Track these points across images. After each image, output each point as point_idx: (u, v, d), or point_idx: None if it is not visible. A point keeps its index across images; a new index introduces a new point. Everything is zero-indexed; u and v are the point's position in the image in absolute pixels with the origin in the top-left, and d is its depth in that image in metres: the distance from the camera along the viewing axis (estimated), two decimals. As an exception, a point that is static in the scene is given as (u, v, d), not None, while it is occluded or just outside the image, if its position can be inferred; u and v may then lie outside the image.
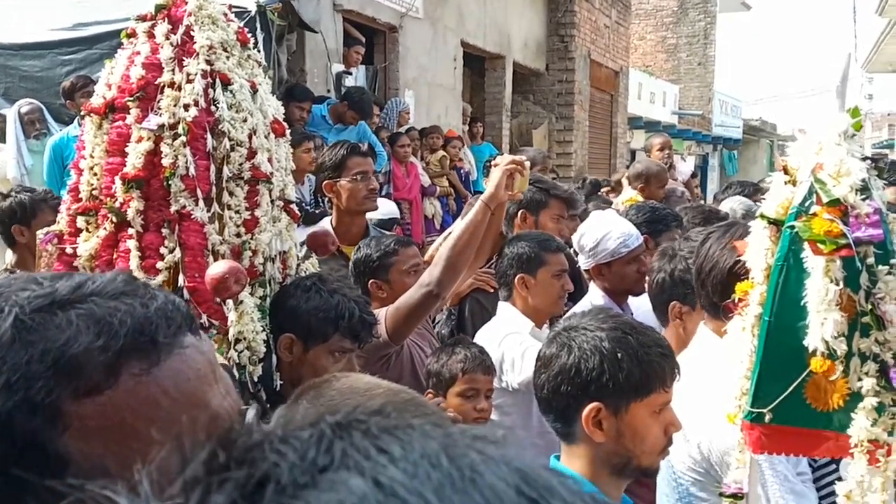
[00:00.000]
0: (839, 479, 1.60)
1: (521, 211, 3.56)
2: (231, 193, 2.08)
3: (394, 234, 3.90)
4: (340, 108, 6.54)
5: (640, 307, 3.10)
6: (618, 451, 1.49)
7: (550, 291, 2.83)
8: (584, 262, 3.16)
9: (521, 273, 2.83)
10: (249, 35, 2.35)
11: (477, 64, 11.36)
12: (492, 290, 3.19)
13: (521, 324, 2.78)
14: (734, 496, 1.61)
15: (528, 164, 2.80)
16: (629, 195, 5.47)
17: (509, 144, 11.06)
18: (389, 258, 2.84)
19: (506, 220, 3.73)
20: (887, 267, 1.43)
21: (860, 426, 1.42)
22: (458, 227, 2.66)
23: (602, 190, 8.00)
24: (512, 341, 2.68)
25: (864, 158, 1.44)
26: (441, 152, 8.10)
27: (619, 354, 1.46)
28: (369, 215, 3.58)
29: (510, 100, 11.66)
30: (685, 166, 10.84)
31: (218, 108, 2.06)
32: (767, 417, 1.48)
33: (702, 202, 7.00)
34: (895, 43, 14.34)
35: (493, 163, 2.79)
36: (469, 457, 0.37)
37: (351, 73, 7.70)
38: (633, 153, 16.22)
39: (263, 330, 2.08)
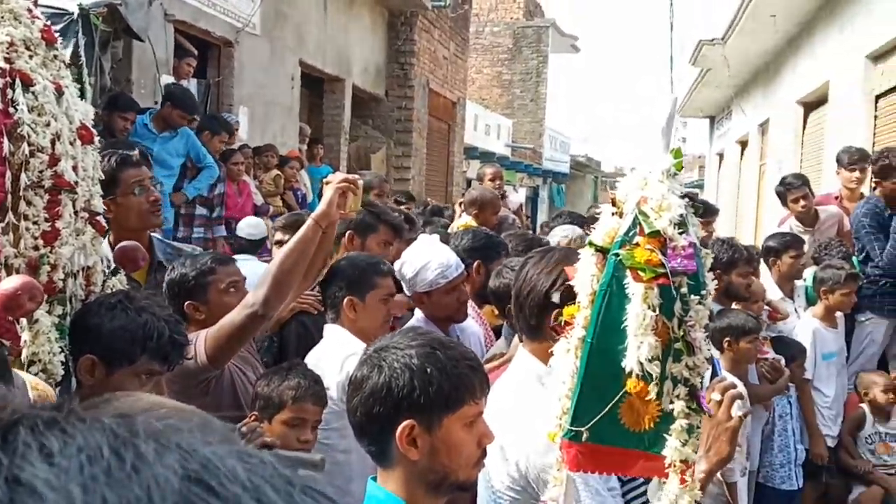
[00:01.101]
0: (645, 492, 1.67)
1: (349, 232, 3.50)
2: (29, 203, 1.89)
3: (209, 251, 3.68)
4: (165, 112, 6.06)
5: (466, 329, 3.13)
6: (433, 467, 1.48)
7: (377, 315, 2.77)
8: (405, 290, 3.13)
9: (349, 295, 2.75)
10: (58, 35, 2.16)
11: (316, 85, 11.24)
12: (316, 312, 3.10)
13: (357, 346, 2.71)
14: (550, 513, 1.64)
15: (361, 183, 2.76)
16: (464, 220, 5.55)
17: (347, 168, 10.99)
18: (206, 277, 2.66)
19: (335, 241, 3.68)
20: (698, 297, 1.52)
21: (673, 447, 1.49)
22: (287, 245, 2.56)
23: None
24: (355, 362, 2.59)
25: (683, 196, 1.53)
26: (275, 171, 7.90)
27: (428, 370, 1.46)
28: (248, 231, 3.35)
29: (349, 123, 11.62)
30: (517, 196, 11.23)
31: (17, 109, 1.88)
32: (584, 436, 1.52)
33: (527, 231, 7.22)
34: (706, 91, 15.60)
35: (325, 181, 2.71)
36: (139, 448, 0.37)
37: (181, 86, 7.37)
38: (468, 182, 16.60)
39: (62, 351, 1.90)
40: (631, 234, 1.52)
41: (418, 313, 3.14)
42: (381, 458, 1.51)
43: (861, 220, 5.15)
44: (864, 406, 4.58)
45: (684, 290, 1.50)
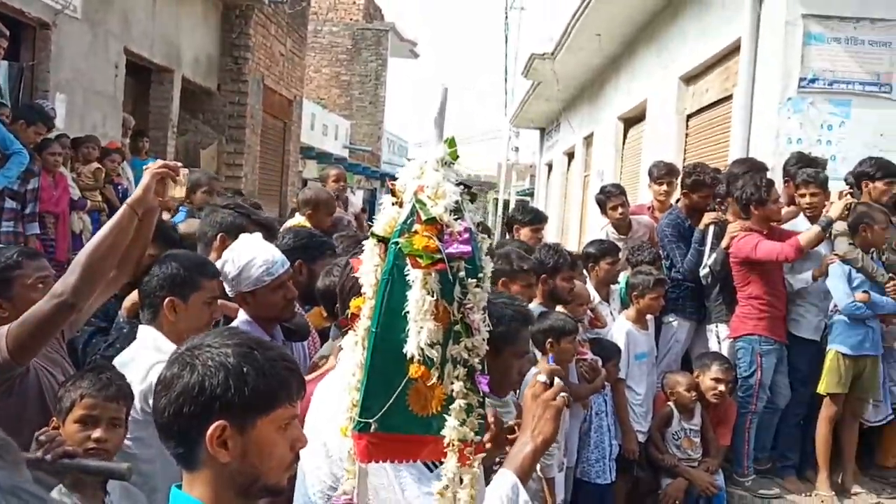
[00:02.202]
0: None
1: (220, 235, 3.36)
2: None
3: (15, 246, 3.44)
4: (-35, 98, 5.63)
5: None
6: (243, 470, 1.43)
7: (200, 319, 2.65)
8: (228, 290, 3.02)
9: (171, 296, 2.62)
10: None
11: (143, 75, 10.69)
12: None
13: (168, 351, 2.58)
14: (344, 508, 1.65)
15: (184, 172, 2.64)
16: (296, 220, 5.47)
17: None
18: (12, 271, 2.48)
19: (204, 243, 3.50)
20: (476, 280, 1.58)
21: (451, 426, 1.54)
22: (100, 231, 2.41)
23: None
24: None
25: (459, 184, 1.58)
26: (95, 164, 7.43)
27: (244, 369, 1.41)
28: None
29: (178, 116, 11.13)
30: (355, 199, 11.19)
31: None
32: (373, 426, 1.54)
33: (360, 233, 7.22)
34: (537, 103, 16.24)
35: (145, 168, 2.57)
36: None
37: (-11, 67, 6.79)
38: (304, 182, 16.34)
39: None
40: (409, 222, 1.55)
41: (242, 315, 3.04)
42: (187, 461, 1.44)
43: (664, 230, 5.56)
44: (671, 404, 4.91)
45: (462, 273, 1.55)
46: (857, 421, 5.05)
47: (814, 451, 4.99)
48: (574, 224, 14.03)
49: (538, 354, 3.95)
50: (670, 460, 4.83)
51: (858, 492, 4.97)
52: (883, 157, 5.33)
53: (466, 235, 1.55)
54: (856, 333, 4.82)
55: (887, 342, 4.99)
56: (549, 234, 16.19)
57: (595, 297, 5.18)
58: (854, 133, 6.09)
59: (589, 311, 4.89)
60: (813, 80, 6.10)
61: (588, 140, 13.55)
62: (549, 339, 4.02)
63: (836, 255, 4.89)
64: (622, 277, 5.29)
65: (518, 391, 2.92)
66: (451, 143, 1.62)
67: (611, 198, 5.89)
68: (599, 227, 6.63)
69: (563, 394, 1.82)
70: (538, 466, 3.86)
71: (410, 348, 1.51)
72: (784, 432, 5.18)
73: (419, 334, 1.50)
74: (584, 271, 5.26)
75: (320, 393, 1.99)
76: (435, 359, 1.53)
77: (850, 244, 4.87)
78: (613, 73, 11.62)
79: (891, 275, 4.88)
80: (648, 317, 5.05)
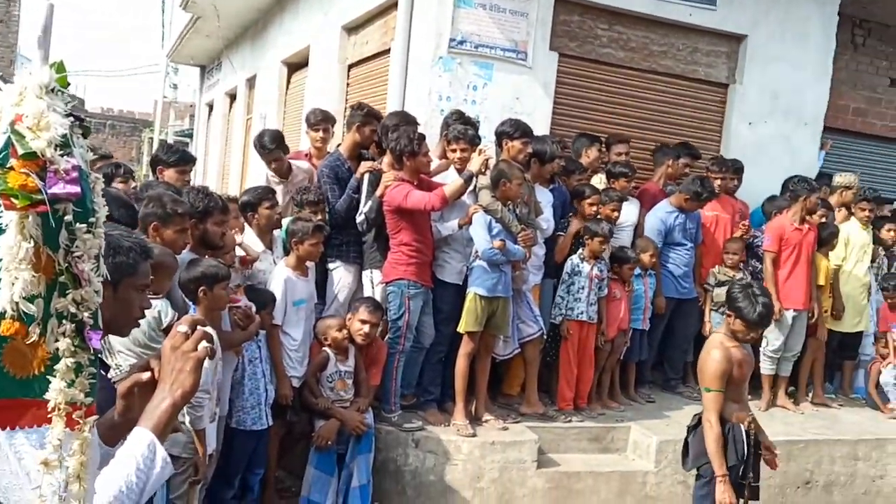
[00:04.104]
0: None
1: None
2: None
3: None
4: None
5: None
6: None
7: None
8: None
9: None
10: None
11: None
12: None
13: None
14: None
15: None
16: None
17: None
18: None
19: None
20: (86, 225, 1.42)
21: (57, 388, 1.39)
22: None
23: None
24: None
25: (69, 115, 1.41)
26: None
27: None
28: None
29: None
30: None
31: None
32: None
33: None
34: (197, 39, 15.35)
35: None
36: None
37: None
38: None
39: None
40: (3, 156, 1.35)
41: None
42: None
43: (323, 170, 5.66)
44: (327, 349, 5.03)
45: (69, 217, 1.39)
46: (489, 356, 5.61)
47: (453, 385, 5.46)
48: (236, 168, 13.63)
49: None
50: (324, 403, 4.96)
51: (488, 418, 5.55)
52: (520, 119, 5.88)
53: (75, 174, 1.36)
54: (491, 277, 5.31)
55: (516, 284, 5.58)
56: (209, 179, 15.61)
57: (259, 245, 5.09)
58: (495, 95, 6.64)
59: (239, 250, 4.80)
60: (462, 42, 6.51)
61: (251, 82, 13.17)
62: (202, 287, 3.87)
63: (479, 205, 5.32)
64: (285, 223, 5.26)
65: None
66: (60, 67, 1.40)
67: (267, 153, 5.88)
68: (260, 174, 6.53)
69: (205, 343, 1.73)
70: (187, 419, 3.74)
71: (2, 302, 1.33)
72: (427, 369, 5.59)
73: (13, 286, 1.33)
74: (245, 222, 5.15)
75: None
76: (34, 314, 1.36)
77: (492, 196, 5.33)
78: (278, 14, 11.37)
79: (522, 226, 5.44)
80: (309, 263, 5.08)
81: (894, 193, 9.03)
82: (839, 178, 7.58)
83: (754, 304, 4.08)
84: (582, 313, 5.87)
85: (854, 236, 7.27)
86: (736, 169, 7.09)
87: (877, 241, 7.52)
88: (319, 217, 5.27)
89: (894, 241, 7.64)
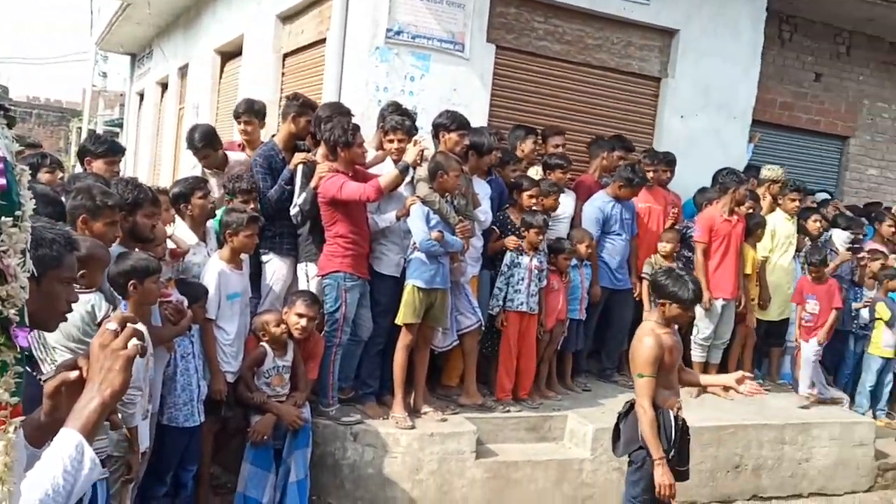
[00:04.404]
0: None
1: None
2: None
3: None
4: None
5: None
6: None
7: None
8: None
9: None
10: None
11: None
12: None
13: None
14: None
15: None
16: None
17: None
18: None
19: None
20: (12, 219, 1.39)
21: None
22: None
23: None
24: None
25: None
26: None
27: None
28: None
29: None
30: None
31: None
32: None
33: None
34: (127, 26, 14.94)
35: None
36: None
37: None
38: None
39: None
40: None
41: None
42: None
43: (256, 159, 5.59)
44: (264, 344, 4.95)
45: None
46: (428, 347, 5.61)
47: (391, 377, 5.44)
48: (168, 159, 13.32)
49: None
50: (259, 398, 4.89)
51: (427, 410, 5.55)
52: (457, 111, 5.88)
53: (1, 166, 1.33)
54: (429, 269, 5.30)
55: (454, 276, 5.59)
56: (140, 170, 15.22)
57: (192, 238, 4.98)
58: (433, 86, 6.62)
59: (170, 242, 4.70)
60: (399, 32, 6.48)
61: (183, 71, 12.87)
62: (132, 281, 3.77)
63: (417, 196, 5.31)
64: (218, 214, 5.15)
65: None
66: None
67: (196, 151, 5.81)
68: (191, 166, 6.38)
69: (135, 341, 1.68)
70: (119, 416, 3.64)
71: None
72: (366, 362, 5.56)
73: None
74: (176, 214, 5.04)
75: None
76: None
77: (429, 188, 5.32)
78: (211, 2, 11.13)
79: (460, 217, 5.44)
80: (243, 256, 4.99)
81: (818, 185, 9.35)
82: (766, 172, 7.80)
83: (685, 284, 4.21)
84: (522, 304, 5.92)
85: (780, 227, 7.50)
86: (668, 161, 7.22)
87: (801, 231, 7.77)
88: (252, 206, 5.18)
89: (819, 231, 7.89)
